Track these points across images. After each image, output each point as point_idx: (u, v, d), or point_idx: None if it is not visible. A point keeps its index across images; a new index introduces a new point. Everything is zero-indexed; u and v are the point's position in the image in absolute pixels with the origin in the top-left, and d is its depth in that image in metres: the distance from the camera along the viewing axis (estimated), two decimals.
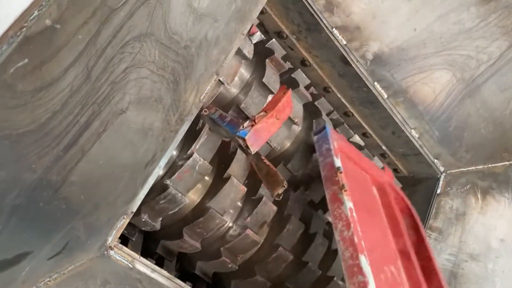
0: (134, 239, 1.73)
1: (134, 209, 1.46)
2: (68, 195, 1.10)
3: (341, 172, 1.65)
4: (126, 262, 1.46)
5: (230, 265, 1.79)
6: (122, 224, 1.44)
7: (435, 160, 2.38)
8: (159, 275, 1.53)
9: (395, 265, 1.69)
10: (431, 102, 2.18)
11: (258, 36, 1.60)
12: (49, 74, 0.87)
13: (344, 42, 1.96)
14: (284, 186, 1.72)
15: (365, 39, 1.98)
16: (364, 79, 2.06)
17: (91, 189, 1.19)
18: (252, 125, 1.62)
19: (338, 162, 1.69)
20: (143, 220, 1.62)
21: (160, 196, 1.61)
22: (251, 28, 1.56)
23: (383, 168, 2.18)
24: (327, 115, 2.21)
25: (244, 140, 1.60)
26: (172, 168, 1.68)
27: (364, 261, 1.42)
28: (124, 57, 1.06)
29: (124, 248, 1.47)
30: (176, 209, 1.66)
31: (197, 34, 1.36)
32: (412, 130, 2.25)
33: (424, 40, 2.01)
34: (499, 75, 2.12)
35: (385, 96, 2.12)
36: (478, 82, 2.14)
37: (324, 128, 1.89)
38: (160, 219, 1.68)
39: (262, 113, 1.68)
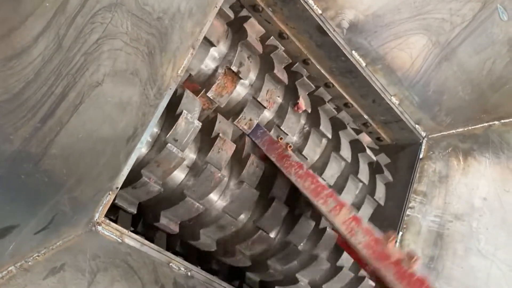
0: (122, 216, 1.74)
1: (119, 185, 1.47)
2: (50, 168, 1.11)
3: (281, 138, 1.94)
4: (114, 237, 1.48)
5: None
6: (108, 200, 1.45)
7: (416, 126, 2.41)
8: (148, 248, 1.55)
9: None
10: (409, 67, 2.20)
11: None
12: (19, 42, 0.87)
13: (320, 12, 1.97)
14: None
15: (340, 8, 1.99)
16: (341, 48, 2.08)
17: (73, 163, 1.20)
18: None
19: (275, 137, 1.97)
20: None
21: None
22: None
23: None
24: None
25: None
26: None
27: (322, 181, 1.69)
28: (95, 27, 1.07)
29: (112, 223, 1.49)
30: None
31: (169, 5, 1.37)
32: (392, 97, 2.28)
33: (399, 5, 2.03)
34: (473, 37, 2.15)
35: (363, 64, 2.15)
36: (453, 45, 2.17)
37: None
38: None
39: None
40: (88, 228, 1.40)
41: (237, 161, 1.91)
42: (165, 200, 1.75)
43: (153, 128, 1.56)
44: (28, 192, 1.09)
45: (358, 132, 2.40)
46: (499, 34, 2.14)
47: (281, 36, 2.12)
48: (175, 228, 1.76)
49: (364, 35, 2.08)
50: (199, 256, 2.02)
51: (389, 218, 2.33)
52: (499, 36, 2.15)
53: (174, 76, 1.52)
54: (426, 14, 2.08)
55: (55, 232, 1.25)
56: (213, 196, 1.86)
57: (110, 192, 1.44)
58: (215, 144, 1.73)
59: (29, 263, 1.17)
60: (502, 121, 2.40)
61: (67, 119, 1.09)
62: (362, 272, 2.08)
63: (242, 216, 1.93)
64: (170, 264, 1.59)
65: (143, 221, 1.90)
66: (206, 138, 1.81)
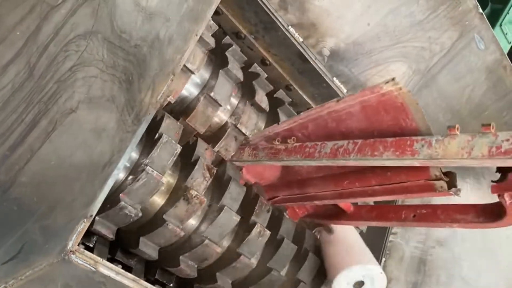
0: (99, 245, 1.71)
1: (94, 212, 1.44)
2: (19, 196, 1.09)
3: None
4: (88, 266, 1.45)
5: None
6: (82, 227, 1.42)
7: None
8: (124, 277, 1.51)
9: None
10: None
11: None
12: None
13: (301, 40, 2.00)
14: None
15: (321, 36, 2.02)
16: (323, 75, 2.10)
17: (45, 191, 1.18)
18: None
19: None
20: None
21: None
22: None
23: None
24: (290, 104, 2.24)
25: None
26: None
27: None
28: (69, 55, 1.07)
29: (86, 252, 1.45)
30: None
31: (148, 33, 1.38)
32: None
33: (378, 34, 2.07)
34: (452, 64, 2.19)
35: (345, 90, 2.17)
36: (433, 72, 2.21)
37: None
38: None
39: None
40: (61, 256, 1.36)
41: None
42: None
43: (130, 153, 1.54)
44: None
45: None
46: (477, 62, 2.18)
47: (263, 62, 2.14)
48: (154, 254, 1.73)
49: (345, 63, 2.11)
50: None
51: (372, 244, 2.32)
52: (477, 64, 2.19)
53: (153, 102, 1.51)
54: (405, 42, 2.12)
55: (25, 261, 1.22)
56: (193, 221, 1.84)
57: (85, 220, 1.41)
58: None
59: None
60: None
61: (38, 146, 1.08)
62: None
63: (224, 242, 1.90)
64: None
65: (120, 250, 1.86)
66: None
